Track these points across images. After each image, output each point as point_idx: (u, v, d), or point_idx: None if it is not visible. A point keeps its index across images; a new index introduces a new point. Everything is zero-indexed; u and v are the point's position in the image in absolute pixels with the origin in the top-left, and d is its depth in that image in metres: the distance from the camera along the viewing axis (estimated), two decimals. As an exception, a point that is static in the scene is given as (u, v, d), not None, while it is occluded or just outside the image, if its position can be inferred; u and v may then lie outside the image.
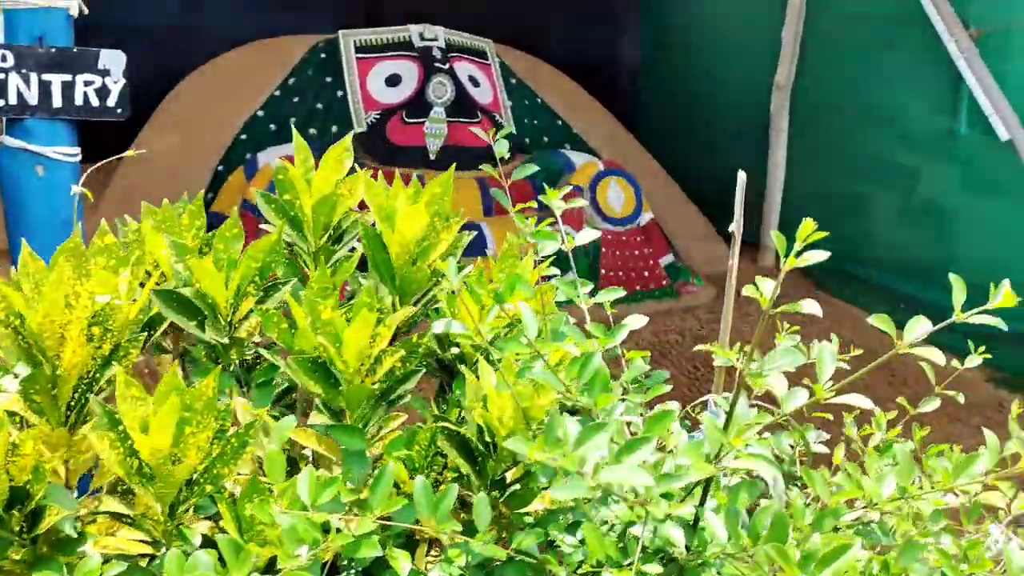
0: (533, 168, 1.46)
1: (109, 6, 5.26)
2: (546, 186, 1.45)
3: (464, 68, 4.98)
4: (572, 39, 6.61)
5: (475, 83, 5.00)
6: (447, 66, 4.85)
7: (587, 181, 4.77)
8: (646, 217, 4.91)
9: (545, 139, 5.17)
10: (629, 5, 6.66)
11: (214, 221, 4.01)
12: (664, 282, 4.78)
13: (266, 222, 1.41)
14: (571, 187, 4.74)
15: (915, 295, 4.45)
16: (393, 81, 4.82)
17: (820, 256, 0.99)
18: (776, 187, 5.38)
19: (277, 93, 4.77)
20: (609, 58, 6.67)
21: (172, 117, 4.67)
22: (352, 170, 1.44)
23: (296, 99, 4.76)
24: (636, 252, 4.77)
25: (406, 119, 4.75)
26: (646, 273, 4.74)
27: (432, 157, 4.72)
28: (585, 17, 6.55)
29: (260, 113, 4.69)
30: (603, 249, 4.69)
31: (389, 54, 4.87)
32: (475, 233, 4.36)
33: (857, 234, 4.89)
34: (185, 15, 5.71)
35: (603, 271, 4.63)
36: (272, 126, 4.67)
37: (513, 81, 5.27)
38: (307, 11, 5.80)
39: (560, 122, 5.31)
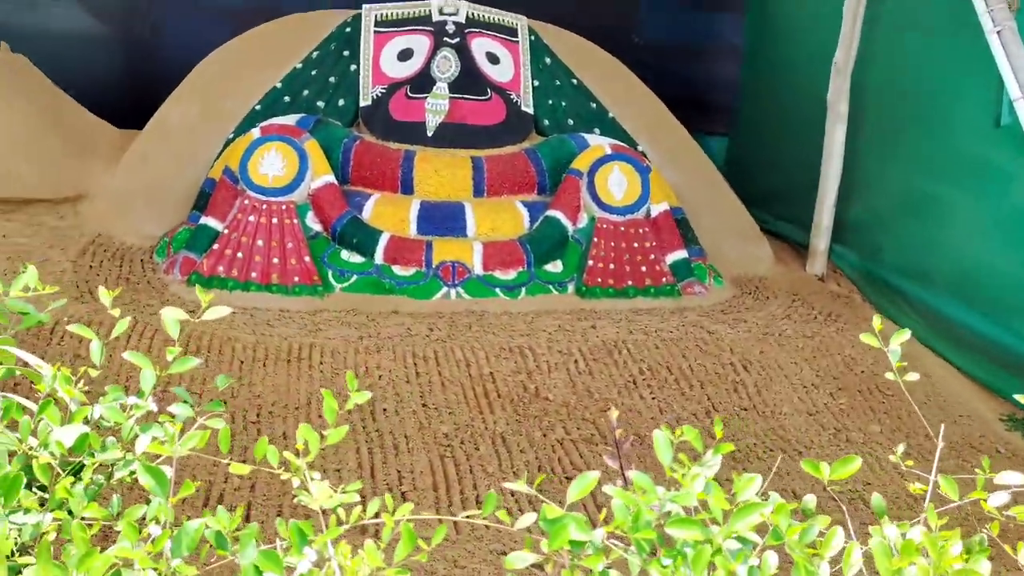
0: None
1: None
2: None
3: (482, 44, 4.82)
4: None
5: (494, 60, 4.82)
6: (456, 41, 4.72)
7: (588, 165, 4.47)
8: (657, 209, 4.52)
9: (570, 122, 4.88)
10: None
11: (206, 187, 4.19)
12: (664, 280, 4.38)
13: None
14: (569, 171, 4.53)
15: (978, 329, 3.75)
16: (404, 56, 4.76)
17: None
18: (830, 183, 4.76)
19: (299, 66, 4.84)
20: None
21: (197, 86, 4.87)
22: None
23: (314, 72, 4.81)
24: (636, 245, 4.40)
25: (410, 94, 4.67)
26: (643, 268, 4.37)
27: (429, 134, 4.61)
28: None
29: (278, 85, 4.78)
30: (595, 239, 4.37)
31: (406, 28, 4.81)
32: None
33: (920, 243, 4.22)
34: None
35: (591, 262, 4.32)
36: (286, 98, 4.75)
37: (548, 60, 5.03)
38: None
39: (594, 105, 5.00)
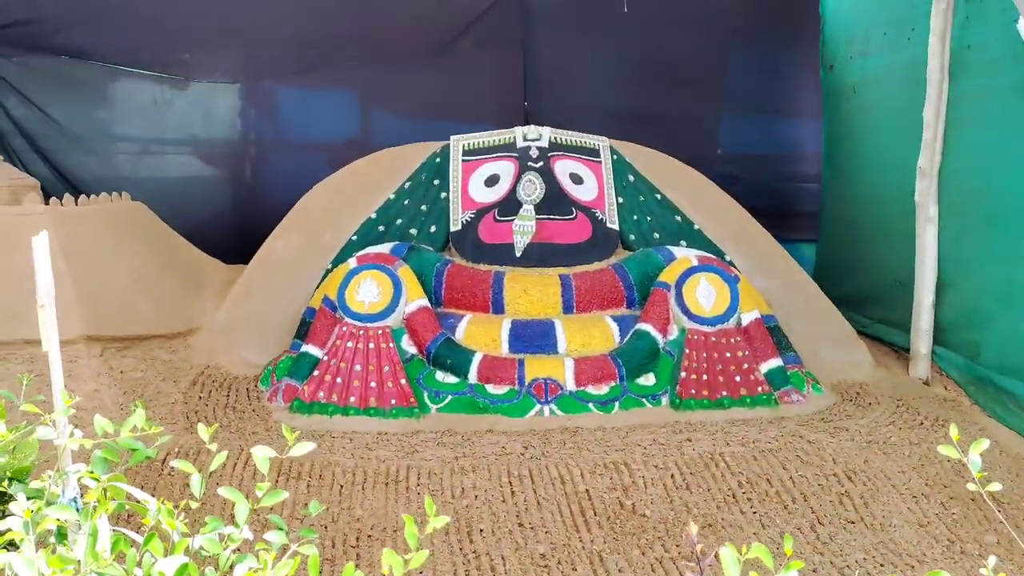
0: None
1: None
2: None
3: (565, 166, 4.98)
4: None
5: (577, 180, 4.97)
6: (540, 164, 4.89)
7: (675, 278, 4.50)
8: (748, 317, 4.49)
9: (656, 236, 4.96)
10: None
11: (306, 316, 4.43)
12: (760, 388, 4.31)
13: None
14: (657, 284, 4.58)
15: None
16: (492, 181, 4.95)
17: None
18: (927, 284, 4.66)
19: (392, 196, 5.09)
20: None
21: (301, 219, 5.16)
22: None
23: (406, 201, 5.04)
24: (728, 355, 4.37)
25: (498, 217, 4.84)
26: (738, 378, 4.31)
27: (518, 254, 4.74)
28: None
29: (373, 216, 5.02)
30: (687, 350, 4.35)
31: (492, 156, 5.02)
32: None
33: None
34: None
35: (684, 374, 4.30)
36: (381, 227, 4.98)
37: (631, 178, 5.15)
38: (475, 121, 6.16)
39: (679, 218, 5.07)
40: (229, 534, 1.38)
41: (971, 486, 1.32)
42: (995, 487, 1.30)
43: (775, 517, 3.32)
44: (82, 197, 4.87)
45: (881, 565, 3.01)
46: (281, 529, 1.46)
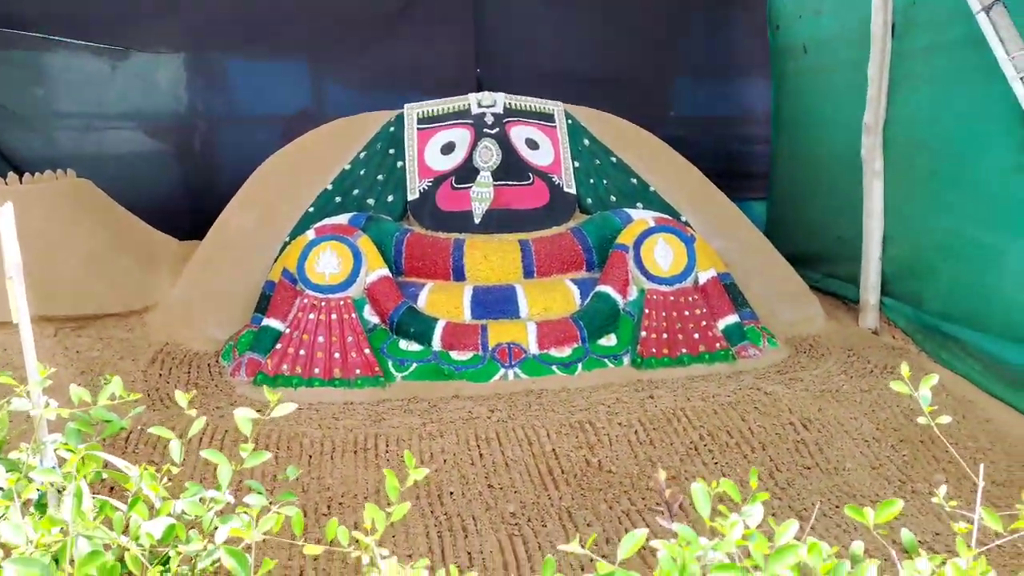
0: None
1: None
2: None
3: (521, 132, 5.00)
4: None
5: (533, 145, 5.00)
6: (495, 131, 4.90)
7: (633, 239, 4.56)
8: (705, 276, 4.57)
9: (613, 198, 5.01)
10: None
11: (266, 289, 4.37)
12: (718, 345, 4.41)
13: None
14: (615, 246, 4.64)
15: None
16: (448, 149, 4.95)
17: None
18: (874, 238, 4.78)
19: (348, 167, 5.07)
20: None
21: (256, 192, 5.11)
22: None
23: (362, 171, 5.03)
24: (687, 313, 4.45)
25: (455, 185, 4.85)
26: (696, 336, 4.40)
27: (477, 221, 4.76)
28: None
29: (329, 187, 5.00)
30: (646, 310, 4.43)
31: (447, 123, 5.02)
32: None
33: (969, 288, 4.20)
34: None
35: (644, 333, 4.37)
36: (337, 198, 4.96)
37: (587, 142, 5.19)
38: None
39: (634, 180, 5.13)
40: (212, 497, 1.40)
41: (922, 420, 1.39)
42: (945, 419, 1.37)
43: (735, 466, 3.42)
44: (26, 176, 4.77)
45: (836, 507, 3.13)
46: (260, 493, 1.49)
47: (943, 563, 0.99)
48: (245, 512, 1.41)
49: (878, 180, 4.72)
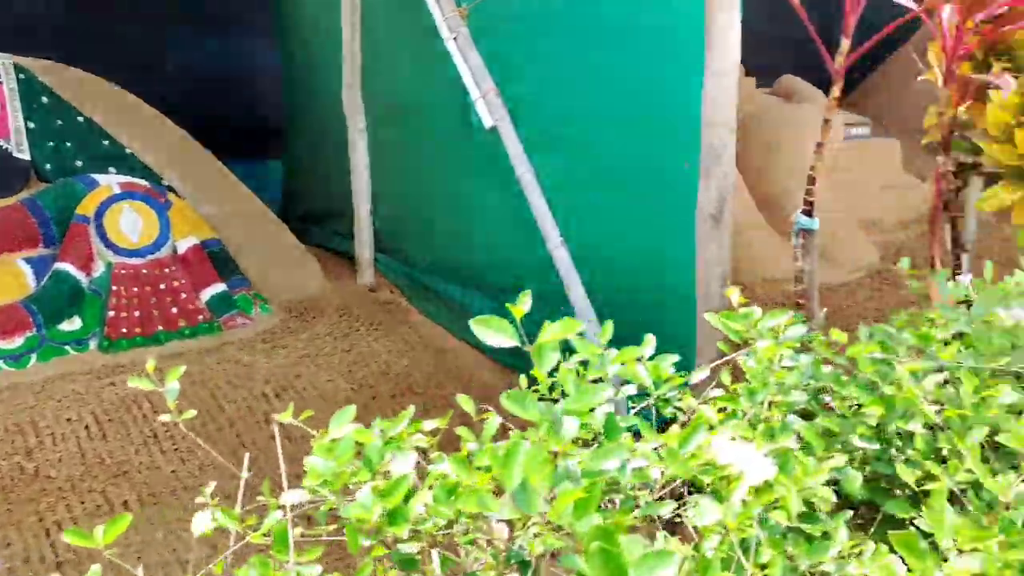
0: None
1: None
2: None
3: (-52, 88, 4.27)
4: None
5: (-28, 105, 4.29)
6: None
7: (94, 209, 4.12)
8: (184, 244, 4.28)
9: (79, 163, 4.48)
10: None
11: None
12: (201, 317, 4.16)
13: None
14: (74, 218, 4.10)
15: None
16: None
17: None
18: (362, 194, 4.83)
19: None
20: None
21: None
22: None
23: None
24: (163, 286, 4.14)
25: None
26: (175, 310, 4.11)
27: None
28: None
29: None
30: (114, 287, 4.03)
31: None
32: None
33: (440, 240, 4.36)
34: None
35: (112, 312, 3.98)
36: None
37: (45, 100, 4.57)
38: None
39: (107, 142, 4.63)
40: None
41: (165, 417, 1.28)
42: (191, 414, 1.31)
43: (196, 450, 3.22)
44: None
45: (298, 476, 3.06)
46: None
47: None
48: None
49: (361, 138, 4.74)
